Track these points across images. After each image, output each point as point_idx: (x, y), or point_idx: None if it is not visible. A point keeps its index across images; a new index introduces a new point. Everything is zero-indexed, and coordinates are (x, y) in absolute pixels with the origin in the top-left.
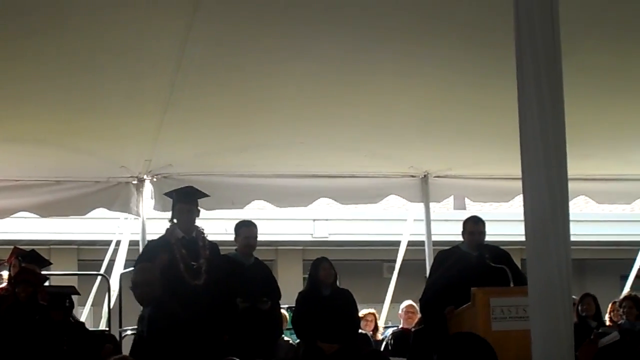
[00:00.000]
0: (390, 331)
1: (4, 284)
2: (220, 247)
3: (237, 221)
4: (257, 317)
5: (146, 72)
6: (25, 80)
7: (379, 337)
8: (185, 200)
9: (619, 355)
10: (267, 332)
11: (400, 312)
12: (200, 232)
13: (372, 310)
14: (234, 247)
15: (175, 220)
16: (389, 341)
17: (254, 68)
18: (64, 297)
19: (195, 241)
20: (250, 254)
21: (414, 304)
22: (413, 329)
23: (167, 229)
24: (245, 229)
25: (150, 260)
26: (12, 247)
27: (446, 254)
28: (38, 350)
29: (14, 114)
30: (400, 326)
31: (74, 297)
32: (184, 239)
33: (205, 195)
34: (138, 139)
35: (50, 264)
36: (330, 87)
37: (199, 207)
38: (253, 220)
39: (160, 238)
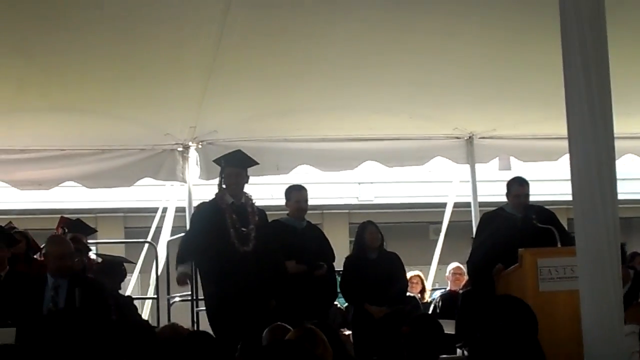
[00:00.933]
0: (438, 293)
1: None
2: (267, 213)
3: (283, 186)
4: (312, 281)
5: (189, 39)
6: (69, 51)
7: (427, 299)
8: (234, 164)
9: None
10: (322, 295)
11: (447, 274)
12: (248, 198)
13: (418, 273)
14: (281, 213)
15: (224, 186)
16: (437, 303)
17: (297, 32)
18: (115, 265)
19: (244, 207)
20: (302, 217)
21: (461, 265)
22: (461, 291)
23: (217, 194)
24: (296, 192)
25: (201, 223)
26: (58, 216)
27: (491, 216)
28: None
29: (58, 84)
30: (448, 288)
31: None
32: (233, 205)
33: (255, 163)
34: (182, 105)
35: (96, 231)
36: (373, 49)
37: (247, 174)
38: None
39: (210, 201)
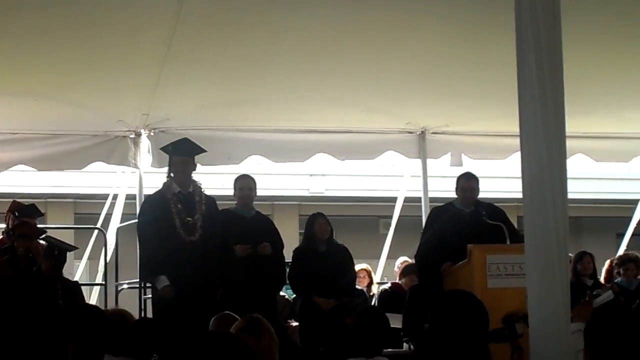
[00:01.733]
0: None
1: (1, 236)
2: (217, 203)
3: (234, 176)
4: (259, 268)
5: (144, 26)
6: (22, 34)
7: (373, 292)
8: (180, 153)
9: (614, 315)
10: (269, 283)
11: (395, 268)
12: (197, 187)
13: (365, 266)
14: (231, 202)
15: (172, 175)
16: (377, 297)
17: (252, 22)
18: (55, 249)
19: (191, 196)
20: (249, 205)
21: (409, 260)
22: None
23: (164, 183)
24: (241, 180)
25: (150, 216)
26: (7, 200)
27: (440, 211)
28: (34, 304)
29: (11, 67)
30: (389, 282)
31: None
32: (180, 194)
33: (202, 151)
34: (135, 92)
35: (42, 214)
36: (328, 42)
37: (195, 162)
38: (250, 175)
39: (156, 193)
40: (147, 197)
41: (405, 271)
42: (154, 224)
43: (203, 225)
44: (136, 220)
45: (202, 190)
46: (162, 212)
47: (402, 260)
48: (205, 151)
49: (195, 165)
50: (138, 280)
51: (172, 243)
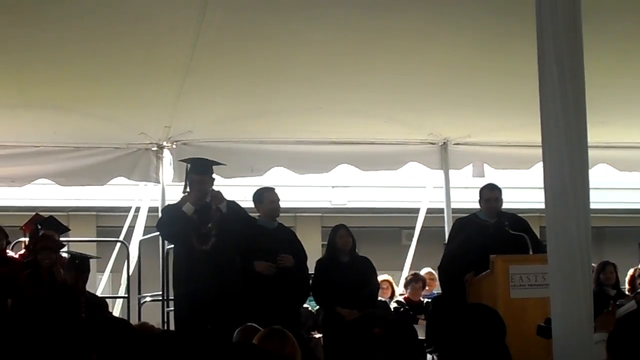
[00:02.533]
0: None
1: (23, 251)
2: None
3: (254, 188)
4: (282, 279)
5: (166, 39)
6: (45, 47)
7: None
8: (197, 172)
9: (637, 324)
10: (293, 295)
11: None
12: (215, 195)
13: (388, 277)
14: (254, 215)
15: (187, 191)
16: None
17: (273, 34)
18: (75, 259)
19: (208, 206)
20: (274, 219)
21: (432, 271)
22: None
23: (182, 198)
24: (269, 194)
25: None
26: (30, 213)
27: (464, 222)
28: (58, 318)
29: (34, 81)
30: (404, 295)
31: (94, 263)
32: (195, 209)
33: (220, 163)
34: (157, 105)
35: (69, 230)
36: (349, 53)
37: (213, 176)
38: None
39: (176, 204)
40: (166, 206)
41: (407, 282)
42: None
43: (217, 234)
44: (158, 233)
45: (221, 195)
46: (178, 222)
47: (426, 271)
48: (224, 164)
49: (213, 180)
50: (161, 293)
51: (187, 253)
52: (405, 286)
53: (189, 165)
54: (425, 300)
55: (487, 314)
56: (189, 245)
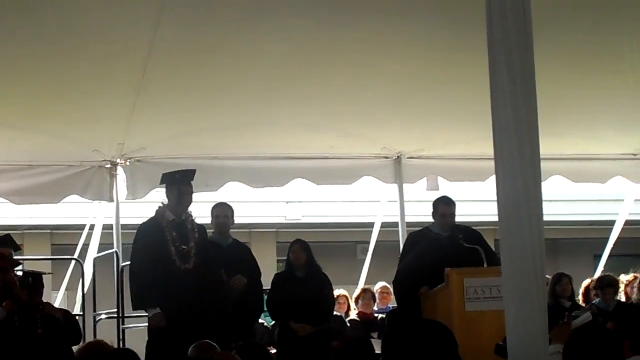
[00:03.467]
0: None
1: None
2: None
3: (211, 204)
4: (235, 297)
5: (118, 55)
6: None
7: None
8: (188, 182)
9: (592, 336)
10: (247, 312)
11: (375, 293)
12: (189, 215)
13: (344, 292)
14: (211, 231)
15: (164, 202)
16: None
17: (225, 48)
18: (28, 276)
19: (184, 224)
20: (225, 234)
21: (388, 285)
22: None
23: (158, 210)
24: (217, 208)
25: (145, 245)
26: None
27: (417, 236)
28: (13, 335)
29: None
30: (356, 310)
31: (47, 280)
32: (174, 222)
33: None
34: (110, 122)
35: (19, 249)
36: (302, 67)
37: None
38: (227, 203)
39: (150, 220)
40: (142, 224)
41: (357, 298)
42: (149, 252)
43: (196, 254)
44: (113, 250)
45: (194, 218)
46: (157, 239)
47: (381, 285)
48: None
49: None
50: (116, 310)
51: (167, 271)
52: (356, 302)
53: (176, 177)
54: (380, 315)
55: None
56: (169, 263)
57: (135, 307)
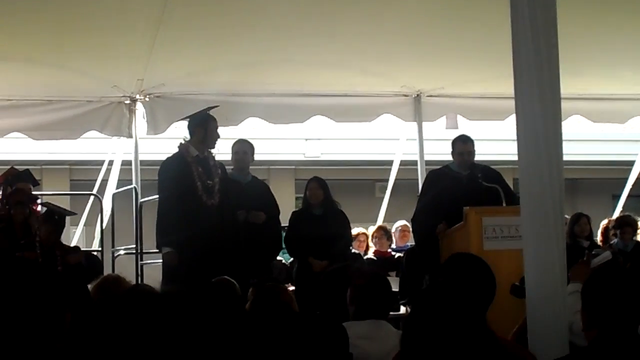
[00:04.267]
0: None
1: None
2: None
3: (231, 141)
4: (254, 233)
5: None
6: None
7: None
8: (215, 119)
9: (612, 275)
10: (265, 249)
11: (393, 231)
12: (209, 151)
13: (364, 230)
14: (231, 167)
15: (187, 138)
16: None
17: None
18: (54, 214)
19: (207, 160)
20: (245, 170)
21: (407, 223)
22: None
23: (181, 146)
24: (236, 145)
25: (172, 178)
26: (3, 167)
27: (436, 174)
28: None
29: (4, 33)
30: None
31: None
32: (198, 157)
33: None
34: (130, 57)
35: (38, 184)
36: (322, 4)
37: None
38: (246, 139)
39: (175, 155)
40: (166, 158)
41: (372, 237)
42: (176, 186)
43: (220, 189)
44: (132, 186)
45: (214, 155)
46: (184, 174)
47: (401, 224)
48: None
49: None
50: (135, 246)
51: (194, 206)
52: (371, 240)
53: (205, 114)
54: (397, 254)
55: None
56: (196, 198)
57: (157, 246)
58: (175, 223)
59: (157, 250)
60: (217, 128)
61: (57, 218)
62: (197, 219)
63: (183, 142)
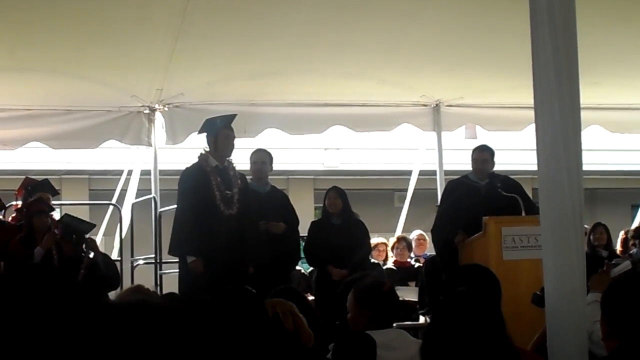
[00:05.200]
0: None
1: (14, 214)
2: None
3: (249, 151)
4: (273, 243)
5: (157, 0)
6: (36, 8)
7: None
8: (229, 127)
9: (632, 285)
10: (284, 259)
11: (411, 241)
12: (230, 162)
13: (383, 240)
14: (250, 177)
15: (207, 149)
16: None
17: None
18: (72, 232)
19: (227, 170)
20: (263, 180)
21: (424, 233)
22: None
23: (200, 157)
24: (255, 154)
25: (191, 189)
26: (22, 177)
27: (455, 184)
28: (52, 281)
29: (24, 42)
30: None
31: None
32: (217, 168)
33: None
34: (149, 67)
35: (58, 193)
36: (341, 14)
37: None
38: (265, 149)
39: (194, 165)
40: (185, 168)
41: (392, 247)
42: (194, 195)
43: (240, 199)
44: (151, 196)
45: (235, 165)
46: (202, 184)
47: (417, 233)
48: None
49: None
50: (154, 255)
51: (212, 216)
52: (392, 250)
53: (219, 123)
54: (417, 264)
55: (481, 273)
56: (214, 208)
57: (172, 252)
58: (194, 232)
59: (176, 260)
60: (229, 137)
61: (74, 237)
62: (215, 229)
63: (203, 152)
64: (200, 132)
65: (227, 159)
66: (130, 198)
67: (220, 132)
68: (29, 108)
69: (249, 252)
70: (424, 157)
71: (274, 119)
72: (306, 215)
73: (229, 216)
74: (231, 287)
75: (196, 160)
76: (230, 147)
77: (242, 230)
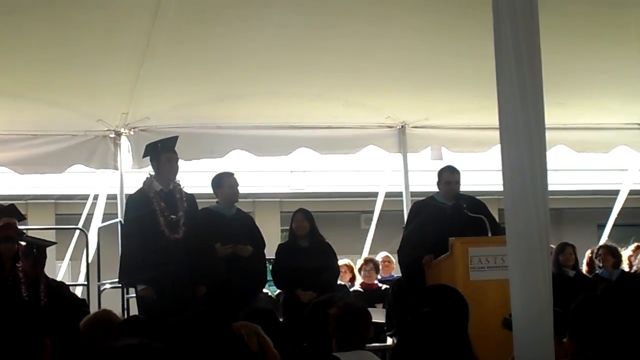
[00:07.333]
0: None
1: None
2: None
3: (212, 174)
4: (240, 266)
5: (122, 24)
6: (1, 34)
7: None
8: (170, 150)
9: (600, 303)
10: (250, 282)
11: (378, 262)
12: (177, 185)
13: (348, 262)
14: (210, 201)
15: (152, 173)
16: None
17: (230, 17)
18: (32, 247)
19: (173, 194)
20: (233, 204)
21: (389, 254)
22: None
23: (145, 182)
24: (229, 179)
25: (133, 217)
26: None
27: (421, 205)
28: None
29: None
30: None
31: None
32: (161, 192)
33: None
34: (115, 91)
35: (25, 218)
36: (306, 36)
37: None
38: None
39: (138, 191)
40: (129, 196)
41: (360, 269)
42: (138, 222)
43: (186, 223)
44: (117, 220)
45: (182, 188)
46: (145, 210)
47: (383, 255)
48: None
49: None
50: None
51: (156, 241)
52: (359, 272)
53: (159, 148)
54: (384, 286)
55: (449, 293)
56: (158, 233)
57: (121, 281)
58: (141, 260)
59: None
60: (172, 159)
61: (34, 251)
62: (161, 254)
63: (148, 176)
64: (143, 156)
65: (174, 181)
66: (97, 222)
67: (162, 155)
68: None
69: (198, 273)
70: (390, 179)
71: (239, 140)
72: (273, 237)
73: (175, 240)
74: (198, 310)
75: (141, 185)
76: (174, 170)
77: (190, 253)
